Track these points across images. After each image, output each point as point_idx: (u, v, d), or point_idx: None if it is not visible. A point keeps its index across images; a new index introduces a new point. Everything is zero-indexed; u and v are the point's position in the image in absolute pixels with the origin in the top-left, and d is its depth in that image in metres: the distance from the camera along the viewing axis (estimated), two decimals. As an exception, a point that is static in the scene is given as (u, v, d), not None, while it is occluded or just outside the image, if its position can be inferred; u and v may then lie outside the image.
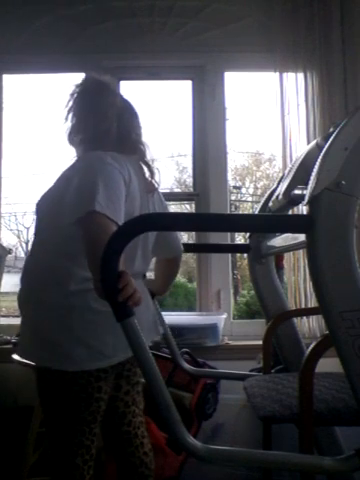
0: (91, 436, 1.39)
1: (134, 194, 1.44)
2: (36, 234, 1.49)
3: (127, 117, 1.57)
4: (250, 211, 5.90)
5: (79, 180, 1.34)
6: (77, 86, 1.57)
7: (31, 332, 1.41)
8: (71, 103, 1.55)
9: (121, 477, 1.58)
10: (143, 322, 1.41)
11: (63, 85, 2.99)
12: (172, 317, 2.39)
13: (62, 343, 1.33)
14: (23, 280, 1.45)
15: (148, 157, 1.59)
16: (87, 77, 1.60)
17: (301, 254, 2.52)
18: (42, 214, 1.47)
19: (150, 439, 1.88)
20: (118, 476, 1.58)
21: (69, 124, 1.54)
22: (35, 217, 1.49)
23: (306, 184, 1.01)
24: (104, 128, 1.49)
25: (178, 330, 2.31)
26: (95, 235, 1.23)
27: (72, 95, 1.56)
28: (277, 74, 2.65)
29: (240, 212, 5.67)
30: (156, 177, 1.58)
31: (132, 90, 2.93)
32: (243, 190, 6.39)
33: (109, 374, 1.40)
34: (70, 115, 1.54)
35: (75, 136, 1.54)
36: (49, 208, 1.44)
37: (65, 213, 1.31)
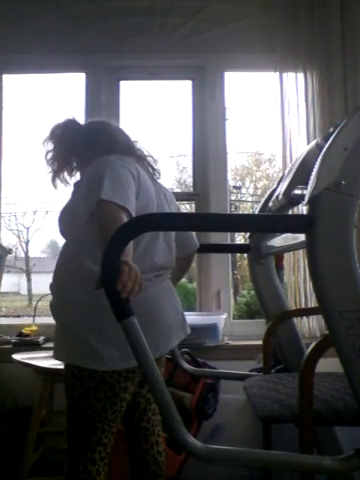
0: (110, 434, 1.43)
1: (147, 189, 1.48)
2: (63, 238, 1.55)
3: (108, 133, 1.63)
4: (250, 211, 5.90)
5: (87, 180, 1.42)
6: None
7: (63, 333, 1.45)
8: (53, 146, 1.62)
9: (134, 473, 1.61)
10: (172, 322, 1.50)
11: (63, 85, 3.01)
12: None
13: (92, 343, 1.36)
14: (53, 284, 1.50)
15: (152, 161, 1.65)
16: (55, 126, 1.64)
17: (301, 254, 2.52)
18: (64, 223, 1.53)
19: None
20: (131, 471, 1.62)
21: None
22: (59, 228, 1.55)
23: (306, 184, 1.01)
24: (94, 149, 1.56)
25: (178, 330, 2.31)
26: (103, 223, 1.26)
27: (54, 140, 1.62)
28: (277, 74, 2.65)
29: (240, 212, 5.67)
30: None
31: (132, 90, 2.94)
32: (243, 190, 6.40)
33: (136, 374, 1.43)
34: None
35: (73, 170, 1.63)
36: (68, 214, 1.51)
37: (82, 213, 1.36)
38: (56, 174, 1.62)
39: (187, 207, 4.48)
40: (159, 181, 1.64)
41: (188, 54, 2.73)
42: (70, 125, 1.64)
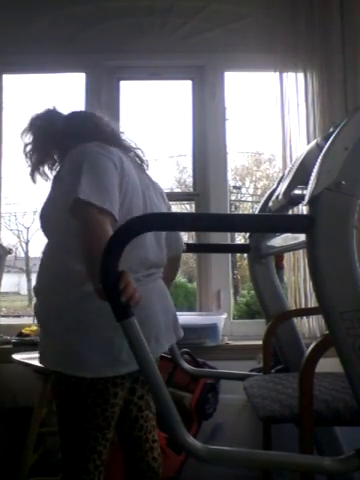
0: (104, 441, 1.37)
1: (133, 180, 1.42)
2: (46, 238, 1.48)
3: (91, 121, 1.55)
4: (250, 211, 5.90)
5: (65, 172, 1.35)
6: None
7: (47, 337, 1.39)
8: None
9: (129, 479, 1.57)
10: (161, 324, 1.43)
11: (63, 85, 3.00)
12: (172, 317, 2.39)
13: (78, 349, 1.30)
14: (37, 286, 1.45)
15: (139, 151, 1.58)
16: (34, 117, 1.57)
17: (301, 254, 2.52)
18: (46, 220, 1.46)
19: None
20: (126, 478, 1.57)
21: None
22: (40, 224, 1.49)
23: (306, 184, 1.01)
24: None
25: (178, 330, 2.31)
26: (87, 235, 1.22)
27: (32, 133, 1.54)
28: (277, 74, 2.65)
29: (240, 212, 5.67)
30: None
31: (132, 90, 2.94)
32: (243, 190, 6.40)
33: (126, 380, 1.38)
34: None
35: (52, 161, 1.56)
36: (51, 210, 1.44)
37: (64, 209, 1.29)
38: (35, 168, 1.53)
39: (187, 207, 4.49)
40: (148, 173, 1.57)
41: (188, 54, 2.73)
42: (50, 115, 1.55)
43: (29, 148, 1.53)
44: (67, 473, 1.37)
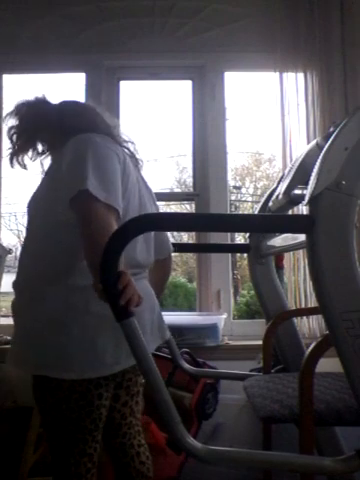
0: (94, 444, 1.34)
1: (133, 176, 1.39)
2: (28, 232, 1.41)
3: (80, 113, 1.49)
4: (250, 211, 5.90)
5: (67, 161, 1.28)
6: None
7: (26, 337, 1.32)
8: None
9: None
10: (147, 326, 1.37)
11: (63, 85, 3.00)
12: (172, 317, 2.39)
13: (60, 349, 1.25)
14: (17, 281, 1.39)
15: (133, 147, 1.53)
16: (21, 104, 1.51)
17: (301, 254, 2.52)
18: (35, 211, 1.40)
19: (150, 439, 1.89)
20: None
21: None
22: (27, 217, 1.42)
23: (306, 184, 1.01)
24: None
25: (178, 330, 2.31)
26: (91, 227, 1.17)
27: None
28: (277, 74, 2.65)
29: (240, 212, 5.67)
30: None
31: (132, 90, 2.93)
32: (243, 190, 6.39)
33: (110, 381, 1.34)
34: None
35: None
36: (41, 201, 1.37)
37: (60, 198, 1.25)
38: (16, 154, 1.47)
39: (187, 207, 4.49)
40: (141, 171, 1.53)
41: (188, 54, 2.73)
42: (39, 103, 1.50)
43: (13, 132, 1.46)
44: (59, 478, 1.33)
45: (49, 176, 1.40)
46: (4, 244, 2.67)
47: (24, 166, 1.50)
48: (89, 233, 1.17)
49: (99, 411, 1.32)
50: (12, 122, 1.47)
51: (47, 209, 1.34)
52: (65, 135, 1.36)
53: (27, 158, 1.50)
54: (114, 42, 2.71)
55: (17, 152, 1.47)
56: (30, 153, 1.50)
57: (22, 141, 1.47)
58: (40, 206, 1.37)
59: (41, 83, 3.00)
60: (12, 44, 2.67)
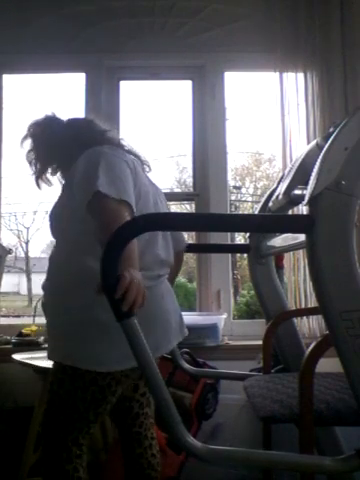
0: (88, 435, 1.40)
1: (144, 181, 1.46)
2: (55, 241, 1.50)
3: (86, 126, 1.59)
4: (250, 211, 5.90)
5: (81, 172, 1.37)
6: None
7: (58, 333, 1.41)
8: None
9: (129, 477, 1.57)
10: (173, 323, 1.47)
11: (63, 85, 3.00)
12: (172, 317, 2.39)
13: (88, 343, 1.33)
14: (47, 283, 1.46)
15: (142, 156, 1.62)
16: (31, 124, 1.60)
17: (301, 254, 2.52)
18: (57, 219, 1.49)
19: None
20: (126, 476, 1.58)
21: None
22: (50, 224, 1.51)
23: (306, 184, 1.01)
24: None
25: (178, 330, 2.31)
26: (105, 221, 1.23)
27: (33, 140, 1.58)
28: (277, 74, 2.65)
29: (240, 212, 5.67)
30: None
31: (132, 90, 2.94)
32: (243, 190, 6.40)
33: (129, 378, 1.41)
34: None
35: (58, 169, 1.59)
36: (62, 212, 1.46)
37: (78, 206, 1.33)
38: (39, 175, 1.57)
39: (187, 207, 4.49)
40: (149, 175, 1.61)
41: (188, 54, 2.73)
42: (50, 122, 1.58)
43: (31, 156, 1.56)
44: (49, 464, 1.40)
45: (66, 188, 1.48)
46: (4, 244, 2.68)
47: (50, 183, 1.60)
48: (102, 225, 1.24)
49: (106, 406, 1.39)
50: (27, 145, 1.56)
51: (70, 219, 1.42)
52: (78, 150, 1.44)
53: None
54: (114, 42, 2.71)
55: (40, 174, 1.57)
56: (50, 171, 1.59)
57: (41, 163, 1.56)
58: (63, 216, 1.46)
59: (41, 83, 3.00)
60: (12, 44, 2.67)
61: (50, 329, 1.46)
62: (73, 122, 1.60)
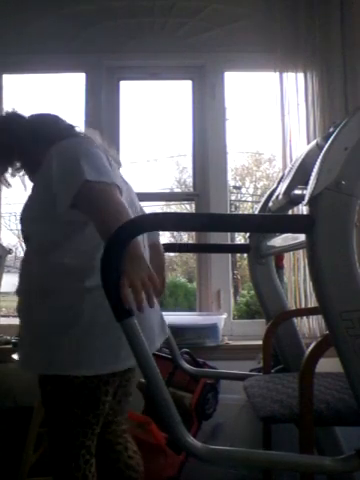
0: (93, 436, 1.37)
1: (120, 179, 1.41)
2: (28, 242, 1.43)
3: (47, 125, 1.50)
4: (250, 211, 5.90)
5: (59, 166, 1.29)
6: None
7: (34, 339, 1.34)
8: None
9: None
10: (155, 324, 1.43)
11: (63, 85, 3.00)
12: (172, 317, 2.39)
13: (71, 347, 1.28)
14: (23, 289, 1.41)
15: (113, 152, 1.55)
16: None
17: (301, 254, 2.52)
18: (31, 220, 1.41)
19: (150, 439, 1.89)
20: None
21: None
22: (21, 226, 1.44)
23: (306, 184, 1.01)
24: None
25: (178, 330, 2.31)
26: (100, 202, 1.20)
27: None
28: (277, 74, 2.65)
29: (240, 212, 5.67)
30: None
31: (132, 90, 2.94)
32: (243, 190, 6.40)
33: (117, 378, 1.39)
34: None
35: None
36: (36, 211, 1.39)
37: (58, 203, 1.26)
38: None
39: (187, 207, 4.48)
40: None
41: (188, 54, 2.74)
42: (9, 120, 1.48)
43: None
44: (58, 472, 1.36)
45: (38, 186, 1.41)
46: (4, 244, 2.68)
47: (8, 184, 1.52)
48: (99, 211, 1.20)
49: (103, 406, 1.36)
50: None
51: (44, 218, 1.35)
52: (44, 147, 1.37)
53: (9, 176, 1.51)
54: (114, 42, 2.71)
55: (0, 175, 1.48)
56: (10, 170, 1.50)
57: (2, 161, 1.48)
58: (35, 216, 1.39)
59: (41, 83, 3.00)
60: (12, 44, 2.67)
61: (26, 336, 1.38)
62: (36, 118, 1.51)
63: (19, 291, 1.42)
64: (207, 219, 1.07)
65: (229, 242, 2.81)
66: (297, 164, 1.46)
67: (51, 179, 1.29)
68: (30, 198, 1.43)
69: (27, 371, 1.39)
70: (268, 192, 1.84)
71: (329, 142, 1.00)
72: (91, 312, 1.29)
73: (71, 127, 1.51)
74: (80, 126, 1.55)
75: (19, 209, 1.45)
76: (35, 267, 1.38)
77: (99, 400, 1.34)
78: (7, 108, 1.52)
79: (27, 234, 1.44)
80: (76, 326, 1.29)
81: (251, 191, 6.48)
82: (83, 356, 1.29)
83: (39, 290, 1.35)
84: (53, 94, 3.06)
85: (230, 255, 2.87)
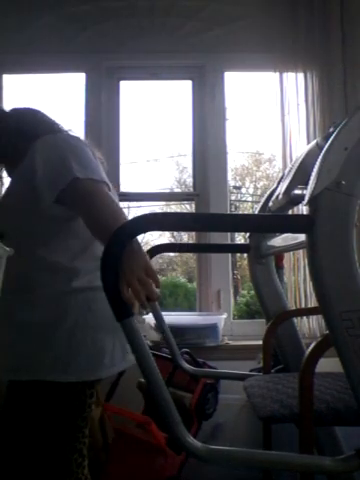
0: (83, 439, 1.33)
1: (103, 169, 1.38)
2: (1, 238, 1.31)
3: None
4: (250, 211, 5.89)
5: (45, 159, 1.26)
6: None
7: (14, 345, 1.27)
8: None
9: None
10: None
11: (63, 85, 3.00)
12: (172, 317, 2.39)
13: (57, 352, 1.23)
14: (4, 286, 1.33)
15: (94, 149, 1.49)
16: None
17: (301, 254, 2.53)
18: (7, 216, 1.34)
19: (150, 439, 1.89)
20: None
21: None
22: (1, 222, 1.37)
23: (306, 184, 1.01)
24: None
25: (178, 330, 2.31)
26: (94, 201, 1.18)
27: None
28: (277, 74, 2.65)
29: (240, 212, 5.66)
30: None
31: (132, 90, 2.93)
32: (243, 190, 6.39)
33: (102, 380, 1.34)
34: None
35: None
36: (14, 204, 1.33)
37: (40, 197, 1.23)
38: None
39: (187, 207, 4.48)
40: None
41: (188, 54, 2.74)
42: None
43: None
44: (50, 477, 1.29)
45: (19, 185, 1.34)
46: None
47: None
48: (90, 209, 1.18)
49: (90, 409, 1.33)
50: None
51: (26, 211, 1.30)
52: (25, 142, 1.33)
53: None
54: (114, 42, 2.71)
55: None
56: None
57: None
58: (15, 210, 1.33)
59: (41, 83, 3.00)
60: (12, 44, 2.67)
61: (3, 342, 1.29)
62: (17, 112, 1.45)
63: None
64: (207, 219, 1.07)
65: (229, 242, 2.81)
66: (297, 164, 1.46)
67: (34, 173, 1.25)
68: (7, 193, 1.37)
69: (6, 377, 1.30)
70: (268, 192, 1.84)
71: (329, 142, 1.00)
72: (77, 315, 1.26)
73: (54, 123, 1.46)
74: (63, 123, 1.50)
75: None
76: (15, 264, 1.26)
77: (85, 403, 1.30)
78: None
79: (1, 231, 1.33)
80: (60, 328, 1.25)
81: (251, 191, 6.47)
82: (66, 361, 1.24)
83: (20, 289, 1.29)
84: (53, 94, 3.06)
85: (230, 255, 2.87)
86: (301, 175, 1.40)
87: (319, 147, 1.34)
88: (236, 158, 6.06)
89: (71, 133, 1.42)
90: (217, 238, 2.58)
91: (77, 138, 1.37)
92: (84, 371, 1.25)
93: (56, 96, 3.08)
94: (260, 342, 1.85)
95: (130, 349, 1.29)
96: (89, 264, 1.29)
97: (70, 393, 1.27)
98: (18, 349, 1.26)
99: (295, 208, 2.06)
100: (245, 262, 4.20)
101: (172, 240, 5.03)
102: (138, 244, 1.08)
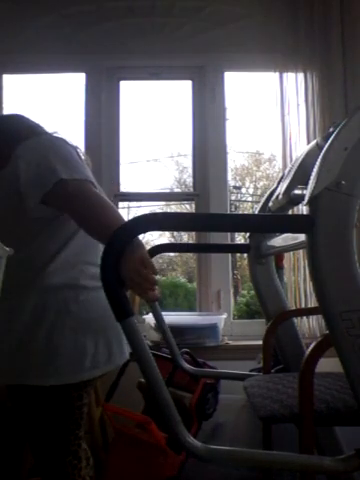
0: (77, 441, 1.32)
1: (89, 168, 1.37)
2: None
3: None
4: (250, 211, 5.89)
5: (28, 164, 1.24)
6: None
7: (10, 343, 1.26)
8: None
9: None
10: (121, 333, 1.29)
11: (63, 85, 3.00)
12: (172, 317, 2.39)
13: (38, 355, 1.23)
14: None
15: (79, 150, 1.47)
16: None
17: (301, 254, 2.53)
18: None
19: (150, 439, 1.89)
20: None
21: None
22: None
23: (306, 184, 1.01)
24: None
25: (178, 330, 2.31)
26: (81, 203, 1.18)
27: None
28: (277, 74, 2.66)
29: (240, 212, 5.66)
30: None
31: (132, 90, 2.93)
32: (243, 190, 6.39)
33: (92, 384, 1.34)
34: None
35: None
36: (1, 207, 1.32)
37: (25, 200, 1.23)
38: None
39: (187, 207, 4.48)
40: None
41: (188, 54, 2.74)
42: None
43: None
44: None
45: (4, 186, 1.31)
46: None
47: None
48: (80, 210, 1.19)
49: (80, 411, 1.32)
50: None
51: (9, 215, 1.30)
52: (7, 147, 1.31)
53: None
54: (114, 42, 2.71)
55: None
56: None
57: None
58: (1, 216, 1.32)
59: (41, 83, 3.00)
60: (12, 44, 2.67)
61: None
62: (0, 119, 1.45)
63: None
64: (207, 219, 1.07)
65: (229, 242, 2.81)
66: (297, 164, 1.46)
67: (18, 178, 1.24)
68: None
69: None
70: (268, 192, 1.84)
71: (329, 142, 1.00)
72: (54, 317, 1.25)
73: (37, 126, 1.45)
74: (46, 125, 1.48)
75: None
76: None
77: (73, 406, 1.29)
78: None
79: None
80: (37, 330, 1.24)
81: (251, 191, 6.47)
82: (46, 364, 1.23)
83: (14, 288, 1.26)
84: (53, 94, 3.06)
85: (230, 255, 2.87)
86: (301, 175, 1.40)
87: (319, 147, 1.34)
88: (236, 158, 6.05)
89: (56, 135, 1.41)
90: (217, 238, 2.58)
91: (62, 139, 1.35)
92: (64, 374, 1.24)
93: (56, 96, 3.08)
94: (260, 342, 1.85)
95: (121, 349, 1.32)
96: (68, 263, 1.29)
97: (55, 396, 1.26)
98: (12, 357, 1.26)
99: (295, 208, 2.06)
100: (245, 262, 4.20)
101: (172, 240, 5.03)
102: (138, 240, 1.09)
